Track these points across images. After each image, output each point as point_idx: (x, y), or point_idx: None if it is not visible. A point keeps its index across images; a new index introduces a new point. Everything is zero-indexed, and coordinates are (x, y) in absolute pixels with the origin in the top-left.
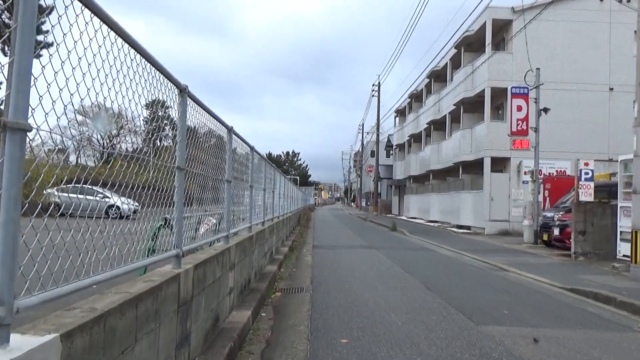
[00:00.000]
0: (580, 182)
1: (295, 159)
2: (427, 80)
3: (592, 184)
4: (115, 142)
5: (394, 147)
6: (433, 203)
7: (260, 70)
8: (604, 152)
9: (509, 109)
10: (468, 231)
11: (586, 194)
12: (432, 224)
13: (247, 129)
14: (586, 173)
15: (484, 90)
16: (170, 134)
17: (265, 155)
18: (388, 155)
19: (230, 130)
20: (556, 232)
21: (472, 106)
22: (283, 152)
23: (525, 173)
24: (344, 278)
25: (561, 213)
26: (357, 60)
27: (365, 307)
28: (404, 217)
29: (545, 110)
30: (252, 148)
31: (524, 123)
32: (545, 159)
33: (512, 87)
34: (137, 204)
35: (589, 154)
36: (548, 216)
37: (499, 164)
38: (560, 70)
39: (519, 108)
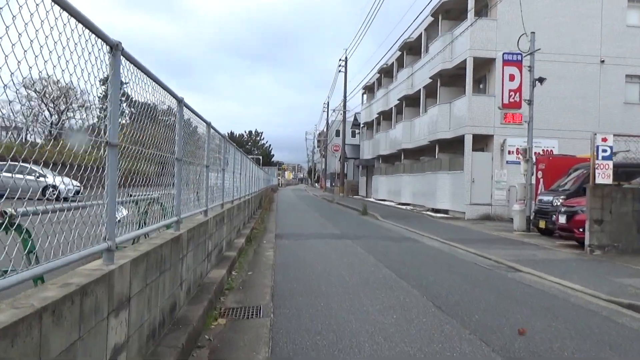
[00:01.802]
0: (596, 161)
1: (259, 139)
2: (399, 53)
3: (610, 163)
4: (63, 118)
5: (362, 125)
6: (405, 184)
7: (213, 48)
8: (594, 130)
9: (500, 78)
10: (446, 215)
11: (604, 175)
12: (403, 207)
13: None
14: (604, 150)
15: (465, 60)
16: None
17: (227, 135)
18: (354, 135)
19: (181, 101)
20: (562, 219)
21: (450, 79)
22: (246, 132)
23: (509, 152)
24: (317, 288)
25: (562, 197)
26: (316, 39)
27: (357, 351)
28: (372, 199)
29: (541, 80)
30: (208, 124)
31: (517, 94)
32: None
33: (504, 54)
34: (78, 184)
35: (577, 131)
36: (545, 201)
37: (481, 142)
38: (547, 41)
39: (512, 77)
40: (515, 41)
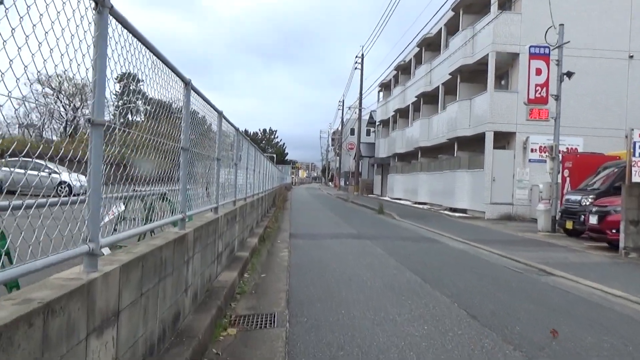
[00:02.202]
0: (633, 158)
1: (273, 137)
2: (417, 49)
3: None
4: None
5: (377, 123)
6: (421, 183)
7: (231, 46)
8: (621, 128)
9: (525, 73)
10: (464, 215)
11: None
12: (420, 206)
13: (221, 106)
14: None
15: (487, 56)
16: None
17: (244, 135)
18: (368, 134)
19: (188, 83)
20: (593, 220)
21: (470, 75)
22: (260, 130)
23: (532, 150)
24: (337, 293)
25: (591, 197)
26: (332, 37)
27: None
28: (387, 198)
29: (569, 74)
30: (220, 113)
31: (544, 89)
32: (551, 134)
33: (530, 46)
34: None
35: (603, 129)
36: (572, 200)
37: (502, 139)
38: (573, 35)
39: (538, 71)
40: (539, 36)
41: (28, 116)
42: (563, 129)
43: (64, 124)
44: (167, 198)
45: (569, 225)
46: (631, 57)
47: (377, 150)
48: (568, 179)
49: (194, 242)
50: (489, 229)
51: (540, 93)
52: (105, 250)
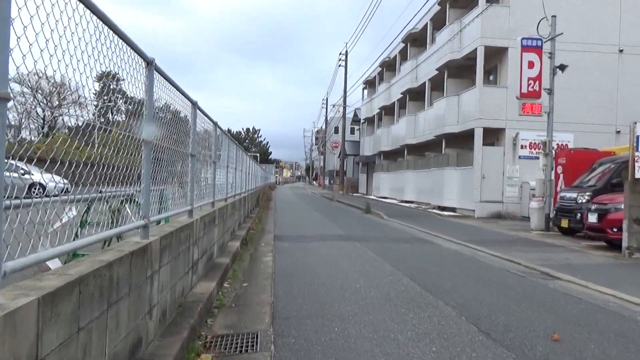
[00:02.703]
0: (636, 153)
1: (256, 136)
2: (402, 45)
3: None
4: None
5: (362, 121)
6: (408, 181)
7: (212, 45)
8: (611, 124)
9: (514, 67)
10: (454, 214)
11: None
12: (407, 204)
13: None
14: None
15: (475, 50)
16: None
17: (227, 134)
18: (353, 132)
19: (151, 63)
20: (592, 218)
21: (458, 71)
22: (243, 129)
23: (522, 147)
24: (328, 306)
25: (588, 194)
26: (314, 36)
27: None
28: (373, 197)
29: (562, 67)
30: (194, 104)
31: (537, 83)
32: (543, 131)
33: (523, 39)
34: (66, 181)
35: (593, 124)
36: (567, 197)
37: (491, 136)
38: (564, 29)
39: (531, 64)
40: (528, 29)
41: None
42: (553, 125)
43: (41, 124)
44: (135, 200)
45: (564, 223)
46: (621, 51)
47: (362, 149)
48: (562, 175)
49: (160, 253)
50: (481, 228)
51: (533, 87)
52: (55, 263)
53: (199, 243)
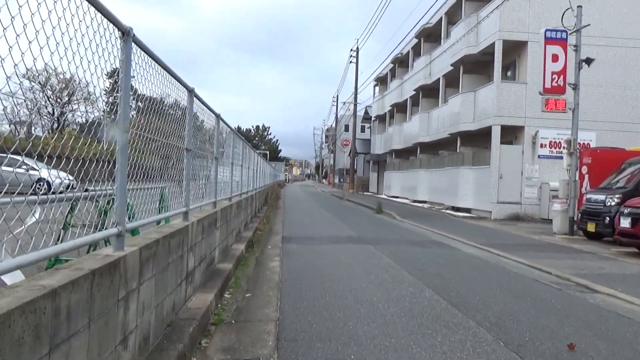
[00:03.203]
0: None
1: (266, 134)
2: (416, 40)
3: None
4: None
5: (373, 119)
6: (421, 180)
7: (218, 43)
8: (635, 122)
9: (536, 61)
10: (469, 215)
11: None
12: (420, 204)
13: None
14: None
15: (492, 44)
16: None
17: (234, 129)
18: (363, 130)
19: (127, 33)
20: (624, 223)
21: (474, 66)
22: (253, 126)
23: (542, 145)
24: (342, 324)
25: (617, 196)
26: (320, 34)
27: None
28: (384, 196)
29: (589, 61)
30: (191, 91)
31: (561, 78)
32: (564, 129)
33: (546, 30)
34: (71, 177)
35: (617, 122)
36: (594, 200)
37: (509, 134)
38: (587, 21)
39: (555, 58)
40: (549, 22)
41: (17, 112)
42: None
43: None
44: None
45: (591, 227)
46: None
47: (372, 147)
48: (587, 176)
49: (141, 267)
50: (500, 231)
51: (557, 82)
52: (16, 276)
53: (196, 249)
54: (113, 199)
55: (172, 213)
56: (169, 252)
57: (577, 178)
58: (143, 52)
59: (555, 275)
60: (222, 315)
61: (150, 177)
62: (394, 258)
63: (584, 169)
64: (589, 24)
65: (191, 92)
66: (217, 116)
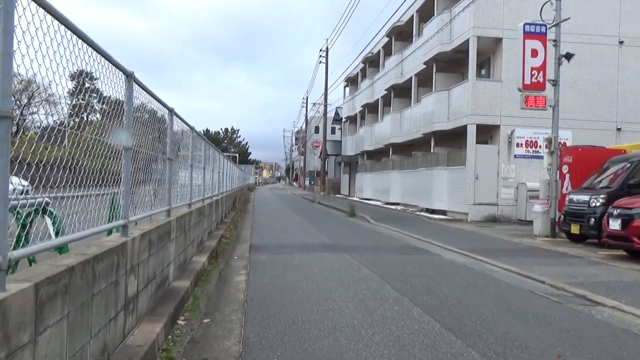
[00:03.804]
0: None
1: (235, 136)
2: (386, 39)
3: None
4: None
5: (343, 120)
6: (394, 182)
7: (185, 44)
8: (611, 120)
9: (521, 54)
10: (444, 217)
11: None
12: (392, 206)
13: (180, 106)
14: None
15: (466, 41)
16: None
17: (202, 132)
18: (334, 132)
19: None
20: (614, 225)
21: (447, 65)
22: (221, 129)
23: (518, 145)
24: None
25: (602, 197)
26: (289, 37)
27: None
28: (356, 198)
29: (568, 56)
30: (129, 75)
31: (540, 74)
32: (540, 128)
33: (525, 24)
34: (27, 183)
35: (592, 121)
36: (578, 200)
37: (484, 133)
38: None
39: (534, 53)
40: (524, 18)
41: None
42: (550, 122)
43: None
44: (48, 210)
45: (575, 229)
46: (621, 42)
47: (343, 148)
48: (567, 175)
49: (38, 310)
50: (480, 235)
51: (536, 78)
52: None
53: (140, 269)
54: (36, 210)
55: (100, 228)
56: (93, 281)
57: (557, 178)
58: None
59: (549, 285)
60: (172, 351)
61: (85, 182)
62: (372, 268)
63: (565, 168)
64: (569, 17)
65: (129, 76)
66: (171, 111)
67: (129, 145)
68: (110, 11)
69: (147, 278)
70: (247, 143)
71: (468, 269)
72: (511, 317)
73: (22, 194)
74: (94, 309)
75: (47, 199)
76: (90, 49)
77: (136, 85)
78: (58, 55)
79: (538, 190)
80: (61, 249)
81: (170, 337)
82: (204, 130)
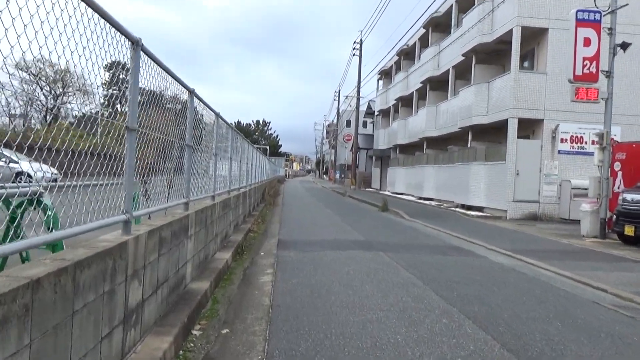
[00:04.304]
0: None
1: (266, 128)
2: (423, 31)
3: None
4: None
5: (376, 114)
6: (428, 177)
7: (218, 38)
8: None
9: (573, 43)
10: (481, 214)
11: None
12: (426, 202)
13: (213, 99)
14: None
15: (510, 31)
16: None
17: (233, 124)
18: (365, 126)
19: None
20: None
21: (487, 56)
22: (253, 121)
23: (562, 140)
24: None
25: None
26: (320, 31)
27: None
28: (387, 193)
29: (625, 45)
30: (135, 43)
31: (593, 64)
32: (586, 123)
33: (577, 11)
34: (56, 171)
35: None
36: (633, 200)
37: (526, 128)
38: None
39: (587, 42)
40: (573, 7)
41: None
42: (597, 116)
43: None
44: (42, 202)
45: (629, 231)
46: None
47: (375, 142)
48: (620, 173)
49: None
50: (523, 234)
51: (588, 68)
52: None
53: (147, 273)
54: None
55: (92, 226)
56: (75, 294)
57: (609, 175)
58: None
59: (613, 294)
60: None
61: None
62: (413, 271)
63: (617, 165)
64: (627, 4)
65: (136, 44)
66: (191, 92)
67: (133, 126)
68: (149, 8)
69: (157, 282)
70: (277, 135)
71: (519, 273)
72: (581, 336)
73: (52, 181)
74: (75, 329)
75: (41, 188)
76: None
77: (145, 55)
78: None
79: (583, 188)
80: (55, 246)
81: (181, 352)
82: (235, 122)
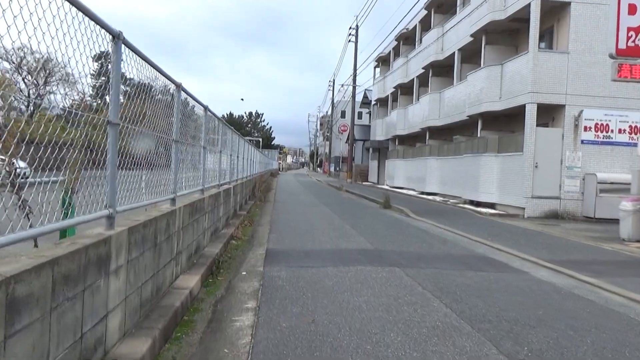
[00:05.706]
0: None
1: (259, 120)
2: (425, 12)
3: None
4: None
5: (373, 103)
6: (431, 170)
7: (206, 28)
8: None
9: (616, 11)
10: (494, 211)
11: None
12: (429, 197)
13: (203, 91)
14: None
15: (527, 6)
16: None
17: (225, 116)
18: (360, 117)
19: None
20: None
21: (499, 36)
22: (245, 113)
23: (586, 128)
24: None
25: None
26: (311, 22)
27: None
28: (386, 187)
29: None
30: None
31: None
32: (615, 109)
33: None
34: (25, 165)
35: None
36: None
37: (544, 115)
38: None
39: (632, 9)
40: None
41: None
42: (629, 102)
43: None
44: None
45: None
46: None
47: (372, 133)
48: None
49: None
50: (550, 236)
51: (634, 41)
52: None
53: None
54: None
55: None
56: None
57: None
58: None
59: None
60: None
61: None
62: (447, 300)
63: None
64: None
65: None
66: (178, 86)
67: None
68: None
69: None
70: (270, 128)
71: (585, 301)
72: None
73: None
74: None
75: None
76: None
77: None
78: None
79: (611, 183)
80: None
81: None
82: (227, 114)
